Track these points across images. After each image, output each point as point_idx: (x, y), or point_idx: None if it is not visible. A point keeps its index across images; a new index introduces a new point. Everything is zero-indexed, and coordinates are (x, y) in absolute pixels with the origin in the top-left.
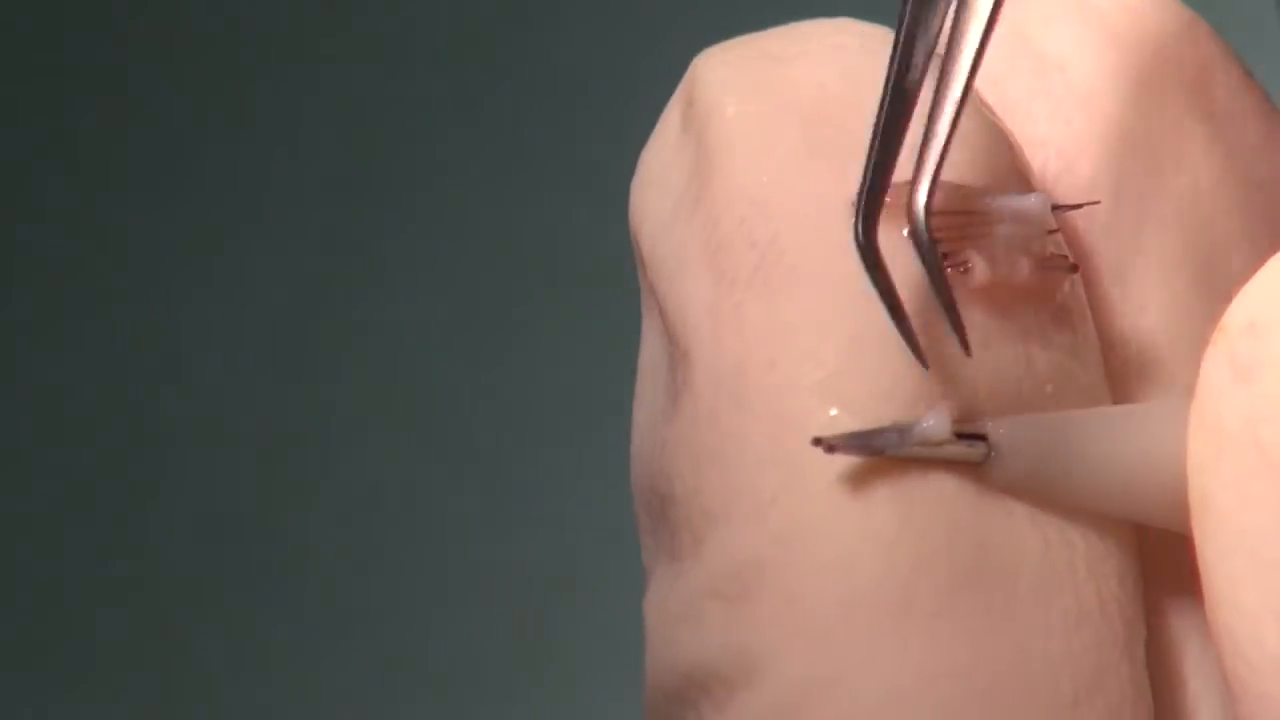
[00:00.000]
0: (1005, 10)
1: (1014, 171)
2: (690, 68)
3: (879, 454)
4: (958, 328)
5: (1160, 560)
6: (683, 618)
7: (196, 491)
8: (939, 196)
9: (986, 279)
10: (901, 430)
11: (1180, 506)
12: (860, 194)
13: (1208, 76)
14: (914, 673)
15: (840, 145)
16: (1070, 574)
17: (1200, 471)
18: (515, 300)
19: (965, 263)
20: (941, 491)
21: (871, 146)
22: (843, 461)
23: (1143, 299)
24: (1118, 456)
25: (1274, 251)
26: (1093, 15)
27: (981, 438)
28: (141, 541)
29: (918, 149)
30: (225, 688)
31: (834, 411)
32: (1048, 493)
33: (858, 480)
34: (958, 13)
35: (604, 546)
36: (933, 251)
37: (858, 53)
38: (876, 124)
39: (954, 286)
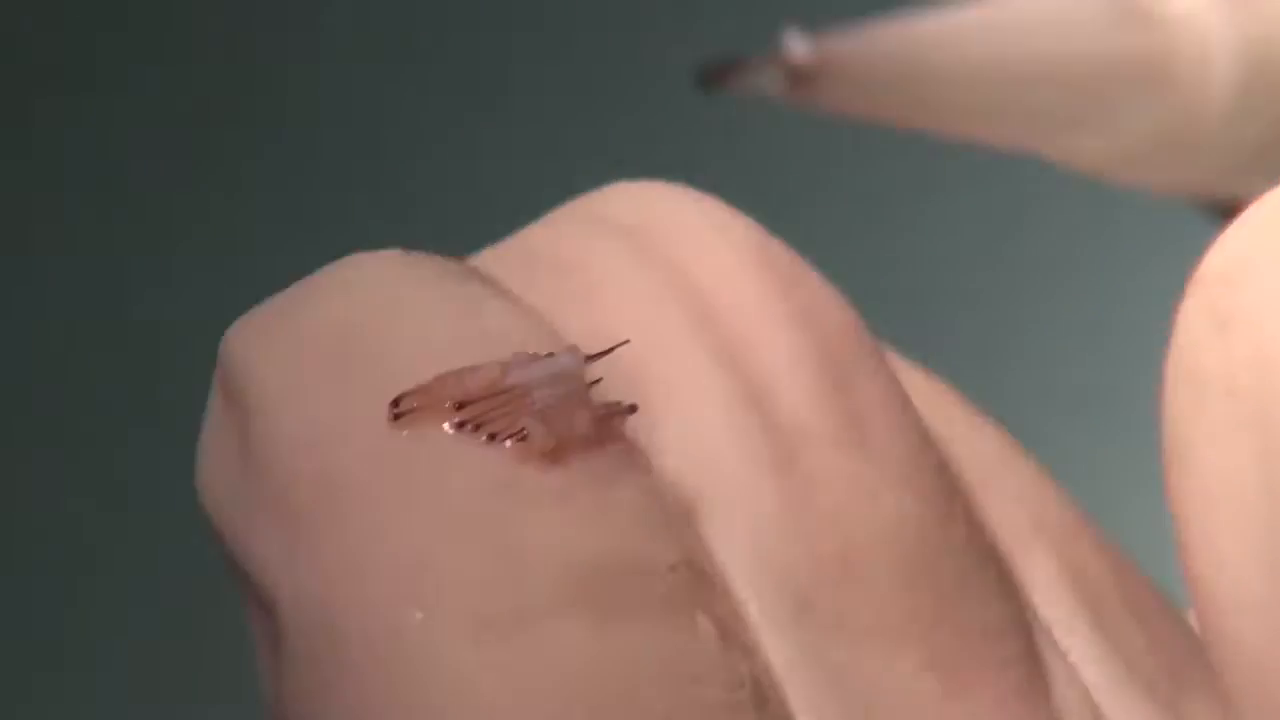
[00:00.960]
0: (515, 250)
1: (548, 338)
2: (222, 344)
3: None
4: None
5: None
6: None
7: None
8: (471, 385)
9: (547, 441)
10: None
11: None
12: None
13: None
14: None
15: (367, 364)
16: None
17: (1179, 422)
18: None
19: (521, 431)
20: (553, 673)
21: None
22: (452, 677)
23: (684, 430)
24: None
25: (832, 388)
26: (590, 218)
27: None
28: (146, 539)
29: None
30: (228, 686)
31: (420, 615)
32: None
33: (465, 688)
34: None
35: None
36: None
37: (364, 283)
38: None
39: (517, 457)
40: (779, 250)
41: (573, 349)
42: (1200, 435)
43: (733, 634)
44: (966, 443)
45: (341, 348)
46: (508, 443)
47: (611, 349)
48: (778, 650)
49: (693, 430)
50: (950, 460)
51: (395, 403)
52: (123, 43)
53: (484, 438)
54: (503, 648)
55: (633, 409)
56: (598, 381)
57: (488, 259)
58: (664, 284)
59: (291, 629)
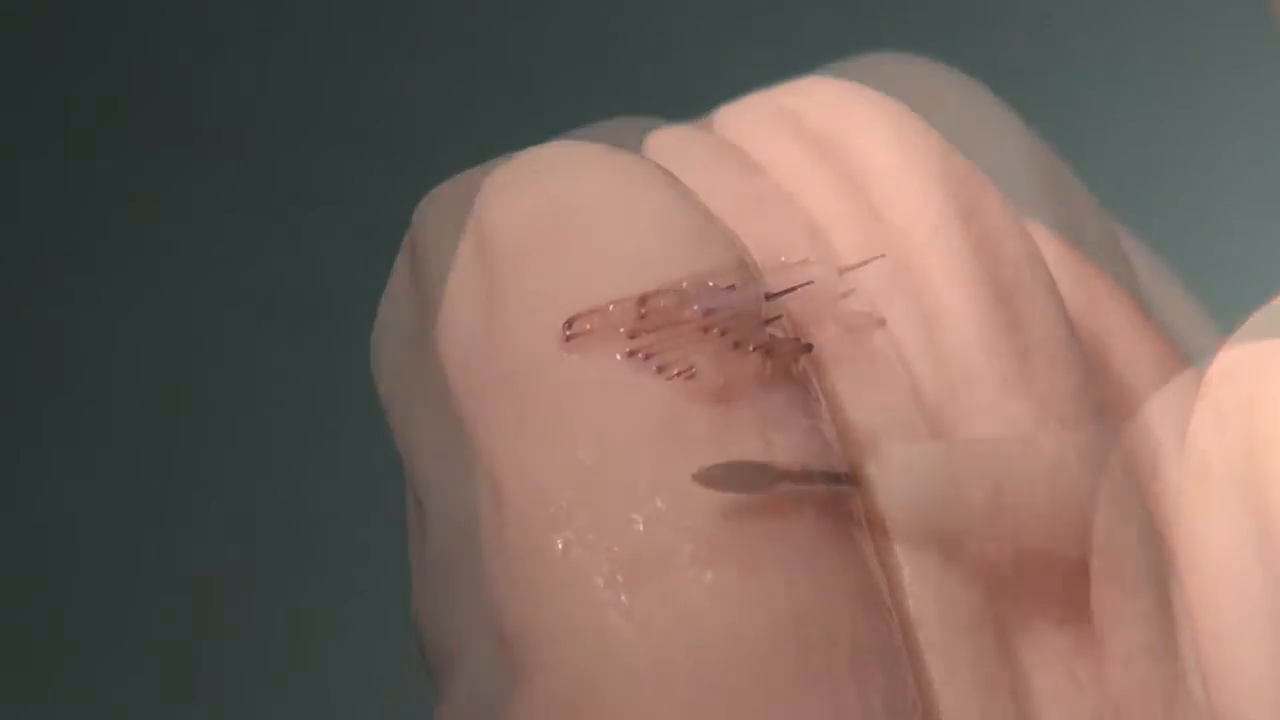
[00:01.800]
0: (709, 137)
1: (734, 267)
2: (415, 213)
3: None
4: None
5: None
6: None
7: (226, 487)
8: (648, 312)
9: (715, 379)
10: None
11: (1054, 533)
12: None
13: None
14: None
15: (551, 271)
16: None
17: (1189, 508)
18: None
19: (690, 368)
20: (685, 623)
21: None
22: (582, 609)
23: (854, 364)
24: (998, 483)
25: (1003, 326)
26: (785, 116)
27: (847, 477)
28: (174, 538)
29: None
30: (244, 686)
31: (561, 544)
32: (931, 520)
33: (593, 623)
34: None
35: None
36: None
37: (566, 178)
38: None
39: (684, 388)
40: (964, 173)
41: (755, 285)
42: (1205, 519)
43: (876, 590)
44: (1128, 355)
45: (526, 250)
46: (675, 378)
47: (793, 289)
48: (918, 598)
49: (862, 364)
50: (1108, 367)
51: (569, 323)
52: None
53: (653, 369)
54: (638, 591)
55: (808, 348)
56: (776, 319)
57: (673, 140)
58: (847, 204)
59: (436, 528)
